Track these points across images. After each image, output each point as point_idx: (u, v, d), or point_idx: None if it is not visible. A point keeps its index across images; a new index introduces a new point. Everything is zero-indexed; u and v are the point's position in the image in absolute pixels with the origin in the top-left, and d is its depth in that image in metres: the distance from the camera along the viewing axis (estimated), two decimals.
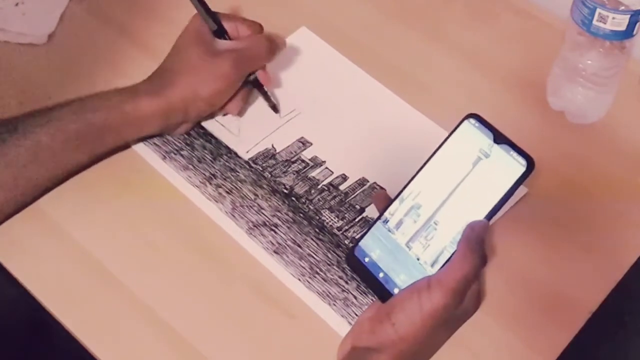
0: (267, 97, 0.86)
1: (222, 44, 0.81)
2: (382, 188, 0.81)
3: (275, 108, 0.87)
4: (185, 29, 0.82)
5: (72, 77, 0.90)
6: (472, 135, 0.68)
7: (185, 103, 0.80)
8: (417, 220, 0.68)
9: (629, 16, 0.78)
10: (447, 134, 0.70)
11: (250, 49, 0.82)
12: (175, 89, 0.79)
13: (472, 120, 0.68)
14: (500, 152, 0.67)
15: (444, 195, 0.68)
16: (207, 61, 0.80)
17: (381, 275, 0.69)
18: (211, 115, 0.85)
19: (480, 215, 0.66)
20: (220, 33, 0.82)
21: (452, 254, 0.66)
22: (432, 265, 0.67)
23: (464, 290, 0.64)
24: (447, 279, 0.63)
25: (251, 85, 0.85)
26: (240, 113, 0.86)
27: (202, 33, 0.81)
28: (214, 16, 0.81)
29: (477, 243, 0.64)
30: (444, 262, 0.66)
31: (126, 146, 0.82)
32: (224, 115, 0.86)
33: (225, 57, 0.80)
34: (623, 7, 0.78)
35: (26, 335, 0.89)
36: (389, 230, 0.69)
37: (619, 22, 0.78)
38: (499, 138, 0.67)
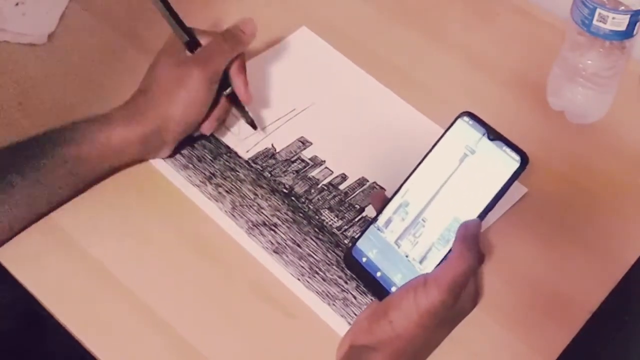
0: (244, 113, 0.83)
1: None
2: (382, 188, 0.81)
3: (253, 124, 0.84)
4: (161, 49, 0.80)
5: (72, 77, 0.90)
6: (464, 133, 0.68)
7: (158, 127, 0.77)
8: (405, 218, 0.69)
9: (629, 16, 0.78)
10: None
11: (209, 47, 0.78)
12: (147, 114, 0.77)
13: (465, 118, 0.69)
14: (492, 148, 0.67)
15: (432, 192, 0.68)
16: (175, 75, 0.77)
17: (379, 274, 0.69)
18: (190, 137, 0.81)
19: (475, 211, 0.66)
20: (193, 46, 0.79)
21: (444, 249, 0.66)
22: (421, 262, 0.67)
23: (460, 288, 0.64)
24: (444, 276, 0.63)
25: (227, 101, 0.81)
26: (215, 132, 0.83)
27: (174, 49, 0.79)
28: (186, 28, 0.78)
29: (472, 241, 0.65)
30: (432, 258, 0.67)
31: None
32: (197, 135, 0.82)
33: (188, 65, 0.77)
34: (623, 7, 0.78)
35: (27, 335, 0.89)
36: (378, 229, 0.70)
37: (619, 22, 0.78)
38: (492, 134, 0.67)
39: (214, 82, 0.78)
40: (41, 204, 0.76)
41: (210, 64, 0.78)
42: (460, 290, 0.64)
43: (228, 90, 0.81)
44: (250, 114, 0.84)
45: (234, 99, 0.81)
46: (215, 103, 0.80)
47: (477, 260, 0.64)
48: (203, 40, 0.79)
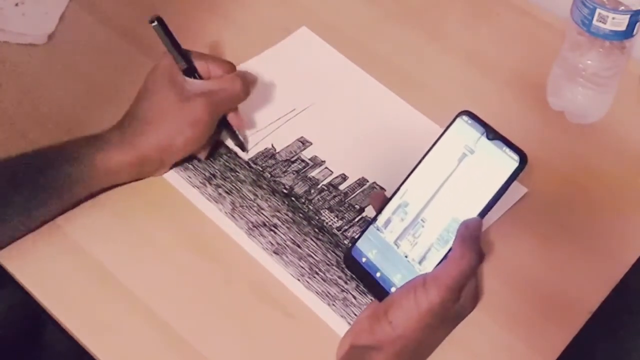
0: (234, 136, 0.83)
1: (194, 84, 0.78)
2: (381, 188, 0.81)
3: (242, 146, 0.83)
4: (154, 70, 0.78)
5: (72, 77, 0.90)
6: (463, 132, 0.68)
7: (160, 153, 0.77)
8: (404, 218, 0.69)
9: (628, 16, 0.78)
10: None
11: (225, 90, 0.79)
12: (147, 139, 0.76)
13: (464, 117, 0.69)
14: (491, 148, 0.67)
15: (431, 192, 0.68)
16: (179, 107, 0.76)
17: (378, 274, 0.69)
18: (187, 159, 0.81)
19: (474, 211, 0.66)
20: (191, 72, 0.78)
21: (443, 250, 0.66)
22: (420, 263, 0.67)
23: (460, 287, 0.64)
24: (443, 275, 0.63)
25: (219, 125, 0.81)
26: (207, 157, 0.83)
27: (172, 74, 0.77)
28: (184, 54, 0.78)
29: (473, 241, 0.65)
30: (431, 259, 0.67)
31: None
32: (193, 160, 0.82)
33: (199, 101, 0.77)
34: (623, 7, 0.78)
35: (26, 336, 0.89)
36: (378, 229, 0.70)
37: (619, 22, 0.78)
38: (491, 134, 0.67)
39: (217, 119, 0.80)
40: (35, 217, 0.76)
41: (220, 106, 0.79)
42: (460, 290, 0.64)
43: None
44: (240, 137, 0.83)
45: (224, 122, 0.82)
46: None
47: (478, 259, 0.64)
48: (199, 65, 0.79)
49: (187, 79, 0.78)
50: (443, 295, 0.63)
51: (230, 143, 0.84)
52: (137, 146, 0.76)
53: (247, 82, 0.81)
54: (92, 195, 0.78)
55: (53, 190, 0.75)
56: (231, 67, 0.81)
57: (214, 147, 0.83)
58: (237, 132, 0.83)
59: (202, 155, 0.82)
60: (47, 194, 0.74)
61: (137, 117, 0.77)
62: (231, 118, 0.81)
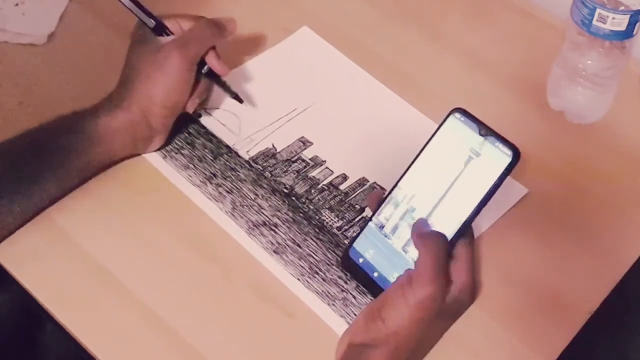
0: (226, 88, 0.83)
1: (165, 40, 0.79)
2: (382, 188, 0.81)
3: (238, 97, 0.84)
4: (131, 41, 0.80)
5: (72, 77, 0.90)
6: (458, 130, 0.68)
7: (143, 113, 0.77)
8: (400, 216, 0.69)
9: (628, 16, 0.78)
10: None
11: (192, 31, 0.79)
12: (130, 100, 0.77)
13: (457, 115, 0.69)
14: (484, 144, 0.67)
15: (437, 197, 0.69)
16: (152, 60, 0.77)
17: (376, 274, 0.69)
18: (179, 120, 0.82)
19: (468, 206, 0.67)
20: (160, 30, 0.79)
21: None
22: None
23: (442, 273, 0.65)
24: (423, 271, 0.65)
25: (206, 78, 0.82)
26: (197, 108, 0.83)
27: (144, 36, 0.79)
28: (149, 12, 0.79)
29: (427, 233, 0.67)
30: None
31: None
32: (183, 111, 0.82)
33: (168, 48, 0.77)
34: (623, 7, 0.78)
35: (24, 334, 0.89)
36: (386, 236, 0.70)
37: (619, 22, 0.78)
38: (484, 130, 0.67)
39: (194, 64, 0.79)
40: (35, 199, 0.76)
41: (190, 47, 0.79)
42: (444, 279, 0.65)
43: (205, 68, 0.81)
44: (233, 89, 0.84)
45: (212, 75, 0.82)
46: (196, 82, 0.81)
47: (440, 239, 0.66)
48: (170, 24, 0.80)
49: (159, 37, 0.79)
50: (429, 289, 0.64)
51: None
52: (122, 108, 0.77)
53: (218, 25, 0.81)
54: (90, 175, 0.79)
55: (49, 165, 0.75)
56: (202, 18, 0.81)
57: (201, 104, 0.84)
58: (226, 82, 0.83)
59: (190, 109, 0.81)
60: (45, 169, 0.75)
61: (121, 83, 0.79)
62: (212, 63, 0.81)
